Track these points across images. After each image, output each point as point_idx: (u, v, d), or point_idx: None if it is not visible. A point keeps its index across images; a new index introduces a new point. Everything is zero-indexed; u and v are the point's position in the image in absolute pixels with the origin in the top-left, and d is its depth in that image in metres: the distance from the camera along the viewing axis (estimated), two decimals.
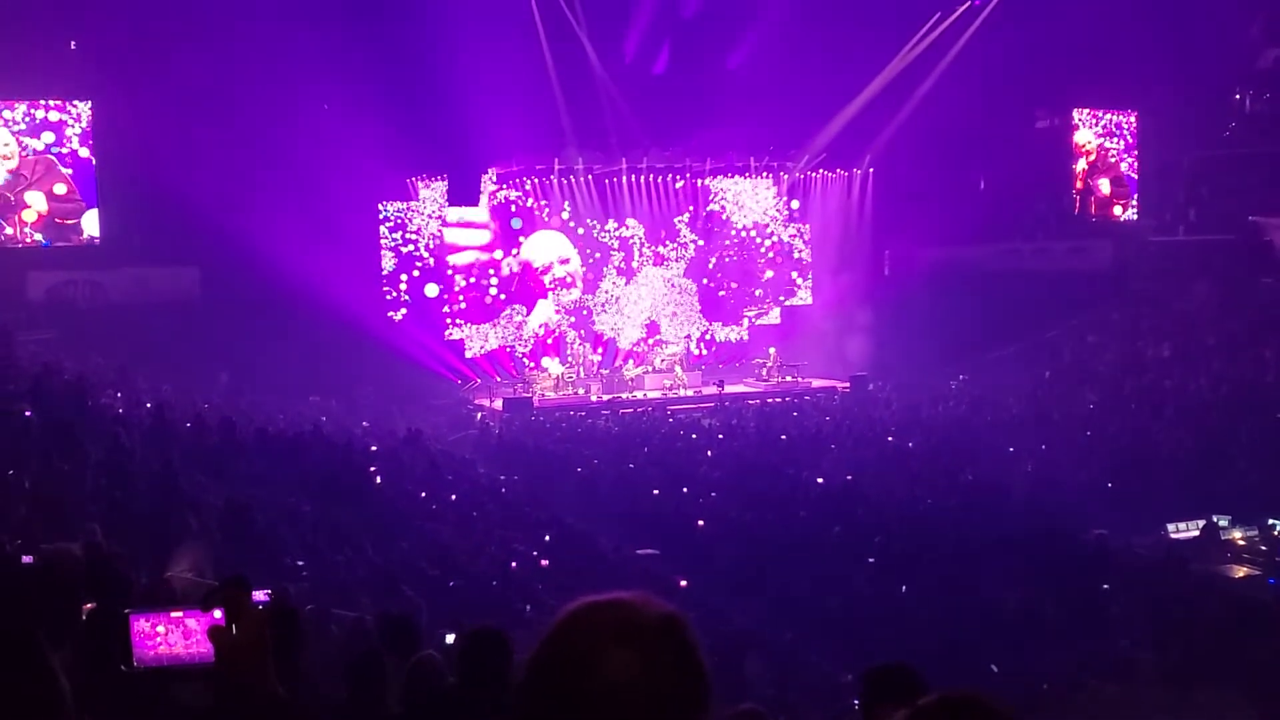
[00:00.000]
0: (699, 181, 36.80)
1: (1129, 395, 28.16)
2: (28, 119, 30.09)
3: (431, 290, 34.05)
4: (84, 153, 30.52)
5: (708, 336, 37.20)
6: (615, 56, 33.83)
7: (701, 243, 36.79)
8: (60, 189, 30.24)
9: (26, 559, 8.02)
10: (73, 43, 29.55)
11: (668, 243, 36.63)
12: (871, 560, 16.32)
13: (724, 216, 37.15)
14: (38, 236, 30.20)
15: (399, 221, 34.00)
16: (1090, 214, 39.11)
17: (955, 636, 13.33)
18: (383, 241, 33.85)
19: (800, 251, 38.03)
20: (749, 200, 37.41)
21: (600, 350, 35.85)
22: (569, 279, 35.74)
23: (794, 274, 38.03)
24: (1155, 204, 38.56)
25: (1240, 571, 17.65)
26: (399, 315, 33.72)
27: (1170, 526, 18.94)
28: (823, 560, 16.41)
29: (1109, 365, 31.07)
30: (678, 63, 33.47)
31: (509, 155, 34.11)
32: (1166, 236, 37.27)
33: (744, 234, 37.44)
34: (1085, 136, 39.09)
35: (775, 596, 15.68)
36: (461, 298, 34.65)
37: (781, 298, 37.85)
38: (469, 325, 34.72)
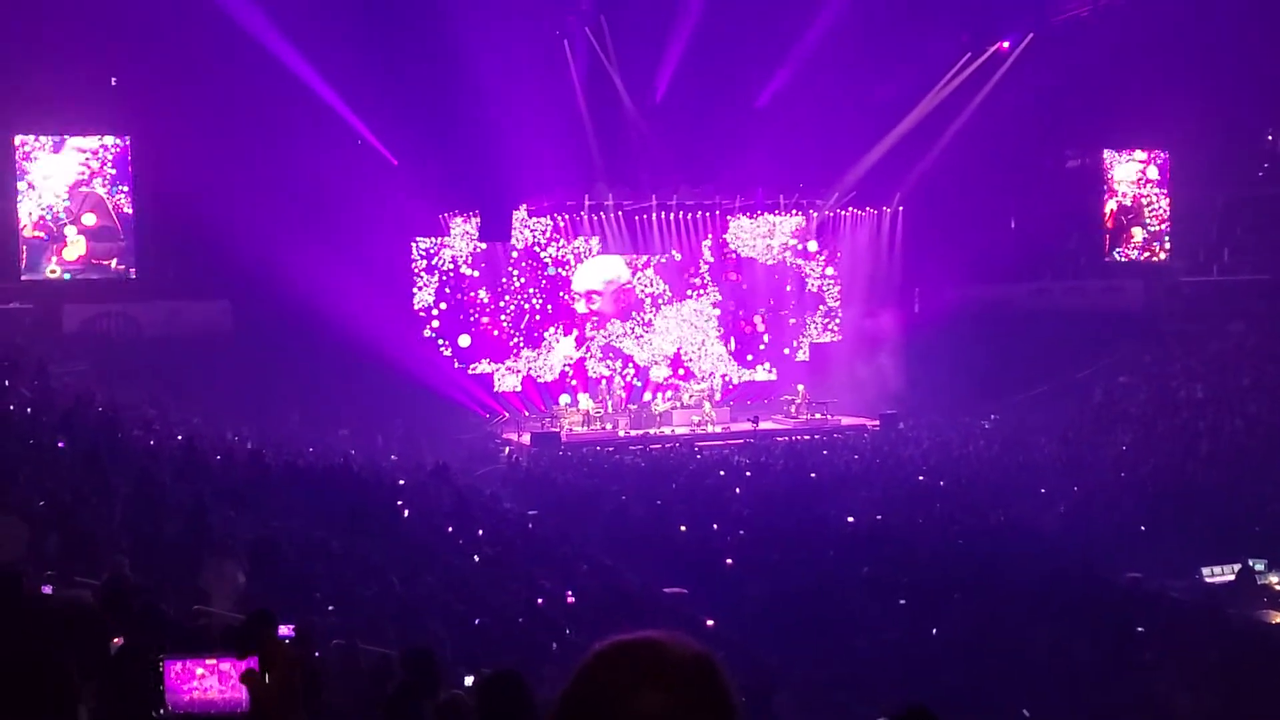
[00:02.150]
0: (728, 218, 36.91)
1: (1162, 436, 27.90)
2: (72, 152, 30.57)
3: (464, 341, 34.27)
4: (122, 189, 30.96)
5: (730, 377, 37.15)
6: (646, 94, 34.01)
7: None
8: (91, 219, 30.61)
9: (46, 589, 8.04)
10: (113, 79, 29.97)
11: (694, 281, 36.71)
12: (901, 601, 16.18)
13: (741, 254, 37.20)
14: (65, 275, 30.54)
15: (431, 256, 34.22)
16: (1122, 256, 38.92)
17: (986, 679, 13.19)
18: (415, 277, 34.06)
19: (824, 286, 37.97)
20: (773, 238, 37.43)
21: (633, 376, 35.89)
22: (607, 307, 35.89)
23: (820, 310, 37.97)
24: (1188, 244, 38.34)
25: (1277, 617, 17.37)
26: (447, 351, 33.95)
27: (1205, 570, 18.68)
28: (852, 600, 16.30)
29: (1141, 406, 30.80)
30: (708, 101, 33.60)
31: (540, 191, 34.28)
32: (1199, 277, 37.04)
33: (774, 266, 37.48)
34: (1122, 175, 38.93)
35: (804, 636, 15.56)
36: (496, 331, 34.80)
37: (800, 337, 37.79)
38: (511, 360, 34.90)
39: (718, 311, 37.14)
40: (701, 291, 36.91)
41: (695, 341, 36.79)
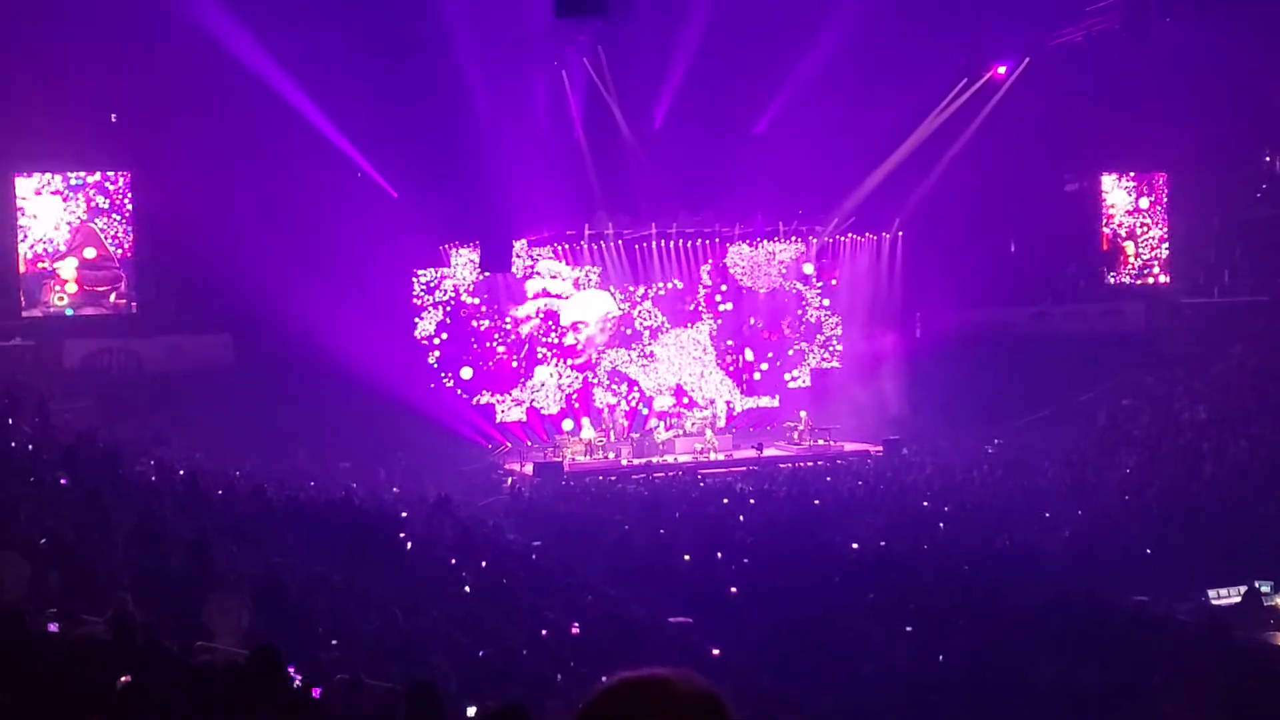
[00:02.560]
0: (728, 246, 36.97)
1: (1166, 458, 27.86)
2: (71, 187, 30.69)
3: (466, 373, 34.33)
4: (123, 225, 31.09)
5: (734, 405, 37.10)
6: (645, 123, 34.12)
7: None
8: (90, 253, 30.73)
9: (52, 627, 8.02)
10: (113, 116, 30.09)
11: (689, 309, 36.71)
12: (907, 628, 16.12)
13: (741, 282, 37.25)
14: (68, 311, 30.61)
15: (432, 290, 34.29)
16: (1120, 279, 38.99)
17: (992, 704, 13.14)
18: (416, 304, 34.10)
19: (821, 318, 37.96)
20: (772, 264, 37.49)
21: (638, 401, 35.89)
22: (587, 340, 35.88)
23: (819, 339, 37.95)
24: (1187, 266, 38.40)
25: None
26: (449, 382, 34.01)
27: (1211, 592, 18.63)
28: (857, 627, 16.23)
29: (1145, 428, 30.78)
30: (707, 129, 33.69)
31: (540, 221, 34.36)
32: (1200, 299, 37.08)
33: (775, 292, 37.53)
34: (1120, 198, 39.07)
35: (809, 663, 15.49)
36: (516, 360, 34.77)
37: (801, 364, 37.77)
38: (518, 390, 34.97)
39: (729, 343, 37.08)
40: (696, 321, 36.86)
41: (694, 372, 36.72)
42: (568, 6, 20.98)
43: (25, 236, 30.38)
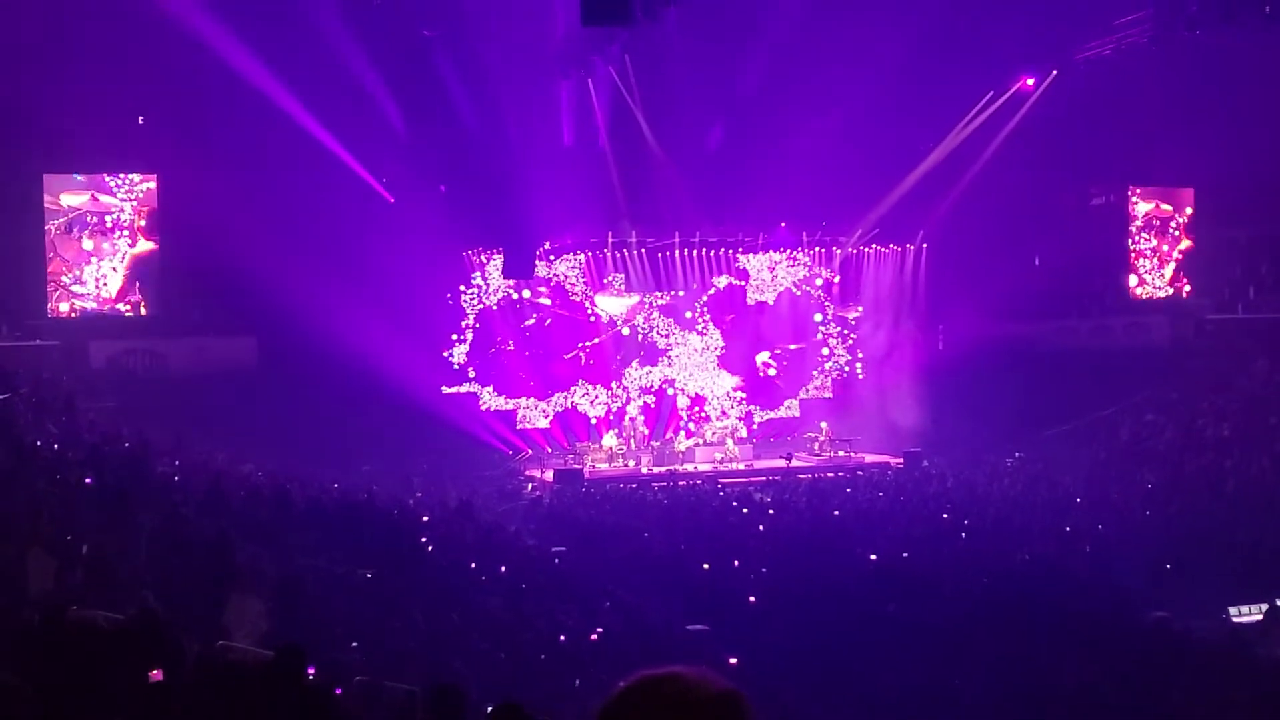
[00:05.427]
0: (750, 256, 36.93)
1: (1189, 475, 27.70)
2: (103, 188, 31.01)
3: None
4: (147, 226, 31.34)
5: (755, 416, 37.03)
6: (670, 132, 34.11)
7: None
8: (115, 258, 31.05)
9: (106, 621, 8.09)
10: (141, 118, 30.29)
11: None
12: (926, 640, 16.07)
13: (762, 294, 37.20)
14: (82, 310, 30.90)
15: (457, 294, 34.41)
16: (1147, 294, 38.79)
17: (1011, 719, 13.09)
18: (453, 330, 34.27)
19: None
20: (793, 275, 37.44)
21: (663, 384, 35.93)
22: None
23: (841, 349, 37.87)
24: (1213, 282, 38.18)
25: None
26: (478, 391, 34.11)
27: (1232, 610, 18.50)
28: (876, 639, 16.18)
29: (1168, 444, 30.61)
30: (732, 139, 33.68)
31: (564, 228, 34.41)
32: (1225, 315, 36.86)
33: (795, 303, 37.50)
34: (1146, 212, 38.89)
35: (826, 675, 15.46)
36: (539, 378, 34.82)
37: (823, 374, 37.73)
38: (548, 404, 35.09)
39: (763, 357, 37.06)
40: (707, 330, 36.79)
41: (711, 387, 36.64)
42: (594, 14, 20.99)
43: (60, 229, 30.63)
